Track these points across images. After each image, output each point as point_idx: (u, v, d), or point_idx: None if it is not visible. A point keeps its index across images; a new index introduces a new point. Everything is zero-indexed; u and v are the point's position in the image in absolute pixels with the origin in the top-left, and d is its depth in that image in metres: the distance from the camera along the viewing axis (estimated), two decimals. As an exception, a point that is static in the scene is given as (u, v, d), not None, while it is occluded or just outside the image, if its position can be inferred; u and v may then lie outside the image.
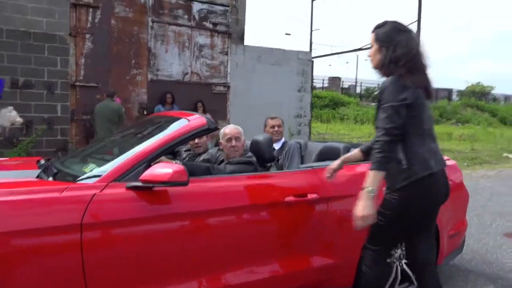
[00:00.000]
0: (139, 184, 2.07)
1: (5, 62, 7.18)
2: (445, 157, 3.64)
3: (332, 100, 25.97)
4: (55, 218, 1.88)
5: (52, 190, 1.98)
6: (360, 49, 11.88)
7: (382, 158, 1.93)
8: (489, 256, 3.94)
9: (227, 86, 9.11)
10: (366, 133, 17.67)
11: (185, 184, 2.04)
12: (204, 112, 8.54)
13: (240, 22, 9.40)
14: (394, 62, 2.04)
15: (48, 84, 7.54)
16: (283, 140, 3.99)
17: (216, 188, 2.35)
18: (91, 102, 7.56)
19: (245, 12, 9.40)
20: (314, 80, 11.13)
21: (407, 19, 23.42)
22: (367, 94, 31.29)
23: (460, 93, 39.04)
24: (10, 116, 6.38)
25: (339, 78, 31.93)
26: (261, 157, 2.97)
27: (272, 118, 4.01)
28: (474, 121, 26.76)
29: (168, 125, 2.58)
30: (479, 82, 50.69)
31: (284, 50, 9.88)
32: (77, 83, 7.69)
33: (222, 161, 3.12)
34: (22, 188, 2.04)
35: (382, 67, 2.11)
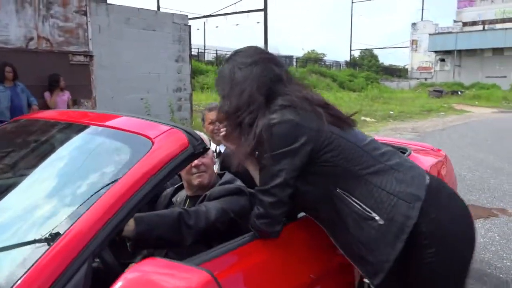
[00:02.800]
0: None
1: None
2: (429, 146, 3.08)
3: (188, 68, 24.74)
4: None
5: None
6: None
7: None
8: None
9: (89, 55, 7.19)
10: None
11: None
12: (62, 89, 6.58)
13: (99, -27, 7.45)
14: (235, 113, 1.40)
15: None
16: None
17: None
18: None
19: (105, -40, 7.48)
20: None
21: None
22: (220, 61, 30.87)
23: (299, 59, 42.03)
24: None
25: (189, 45, 30.49)
26: (248, 178, 1.82)
27: (210, 110, 2.77)
28: (319, 86, 28.90)
29: (106, 154, 1.26)
30: (313, 50, 55.68)
31: (156, 11, 8.33)
32: None
33: (178, 189, 1.89)
34: None
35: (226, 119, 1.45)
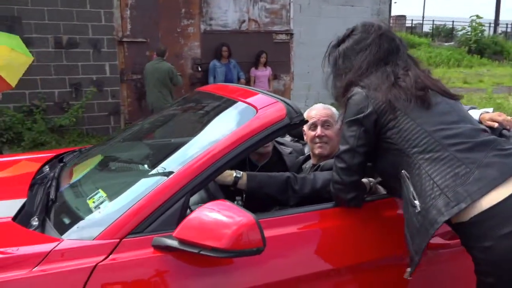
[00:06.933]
0: (174, 244, 1.16)
1: (46, 19, 6.49)
2: None
3: (401, 41, 23.39)
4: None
5: (13, 265, 1.11)
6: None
7: None
8: None
9: (290, 33, 7.87)
10: (443, 77, 15.58)
11: (256, 253, 1.09)
12: (265, 65, 7.43)
13: (303, -45, 7.93)
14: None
15: (94, 41, 6.81)
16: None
17: (302, 237, 1.39)
18: (141, 60, 6.77)
19: None
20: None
21: None
22: (437, 33, 27.89)
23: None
24: None
25: (404, 17, 28.64)
26: None
27: None
28: None
29: (221, 118, 1.62)
30: None
31: (356, -14, 8.31)
32: (124, 39, 6.89)
33: (309, 157, 2.12)
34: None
35: None
